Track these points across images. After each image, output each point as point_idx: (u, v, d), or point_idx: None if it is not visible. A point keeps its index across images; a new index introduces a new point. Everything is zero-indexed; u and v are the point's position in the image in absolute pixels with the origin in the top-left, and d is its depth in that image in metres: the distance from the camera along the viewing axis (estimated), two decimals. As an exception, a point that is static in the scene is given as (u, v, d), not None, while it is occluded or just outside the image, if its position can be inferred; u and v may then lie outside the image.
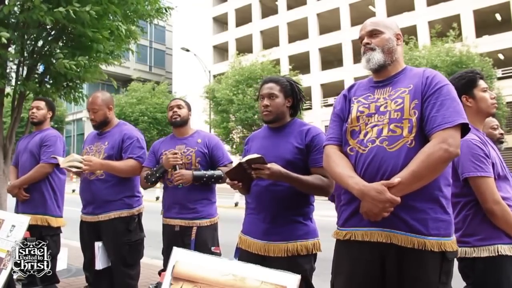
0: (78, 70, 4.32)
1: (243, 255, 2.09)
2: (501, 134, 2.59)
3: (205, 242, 2.68)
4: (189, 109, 2.95)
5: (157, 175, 2.75)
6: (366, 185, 1.49)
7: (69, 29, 4.37)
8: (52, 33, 4.75)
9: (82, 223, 3.00)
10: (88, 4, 3.88)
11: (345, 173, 1.60)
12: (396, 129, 1.56)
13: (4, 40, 3.72)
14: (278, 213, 2.01)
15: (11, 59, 4.53)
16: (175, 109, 2.86)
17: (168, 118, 2.95)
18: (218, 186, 2.90)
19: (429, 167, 1.45)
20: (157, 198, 16.16)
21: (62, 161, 2.87)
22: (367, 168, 1.56)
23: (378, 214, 1.46)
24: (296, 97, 2.18)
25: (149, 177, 2.76)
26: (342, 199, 1.71)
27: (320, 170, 2.00)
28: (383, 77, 1.71)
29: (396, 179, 1.45)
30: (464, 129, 1.53)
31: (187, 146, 2.81)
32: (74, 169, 2.77)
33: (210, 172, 2.73)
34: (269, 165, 1.86)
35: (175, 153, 2.72)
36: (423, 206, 1.51)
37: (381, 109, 1.62)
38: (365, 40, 1.71)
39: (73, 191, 15.91)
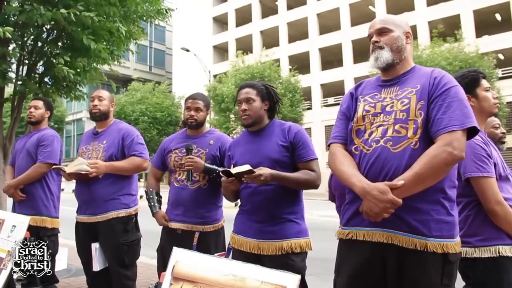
0: (77, 75, 4.36)
1: (235, 254, 2.11)
2: (503, 133, 2.57)
3: (207, 248, 2.56)
4: (208, 108, 2.78)
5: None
6: (369, 184, 1.48)
7: (68, 31, 4.38)
8: (51, 34, 4.77)
9: (78, 224, 2.95)
10: (90, 7, 3.92)
11: (349, 171, 1.59)
12: (401, 130, 1.54)
13: (8, 35, 3.72)
14: (271, 213, 2.05)
15: (11, 56, 4.54)
16: (193, 112, 2.66)
17: (184, 117, 2.78)
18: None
19: (432, 170, 1.43)
20: (157, 198, 16.12)
21: (69, 167, 2.81)
22: (371, 168, 1.56)
23: (379, 214, 1.45)
24: (273, 100, 2.23)
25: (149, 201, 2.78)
26: (346, 198, 1.71)
27: (306, 165, 2.09)
28: (391, 76, 1.69)
29: (399, 182, 1.44)
30: (470, 132, 1.51)
31: (198, 146, 2.68)
32: (83, 172, 2.71)
33: (221, 169, 2.55)
34: (259, 172, 1.90)
35: (191, 158, 2.56)
36: (426, 208, 1.49)
37: (387, 108, 1.60)
38: (374, 38, 1.69)
39: (73, 191, 15.88)
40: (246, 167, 1.90)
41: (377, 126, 1.60)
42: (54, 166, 3.15)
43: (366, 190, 1.47)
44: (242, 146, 2.24)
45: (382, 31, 1.67)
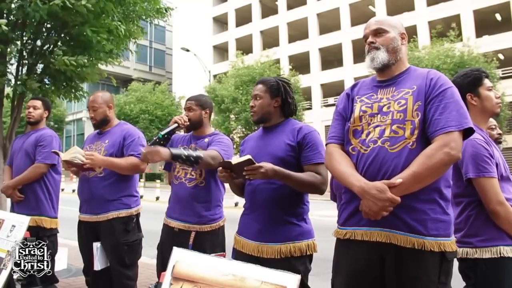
0: (78, 68, 4.34)
1: (238, 256, 2.09)
2: (499, 134, 2.57)
3: (203, 248, 2.52)
4: (203, 107, 2.74)
5: (169, 130, 2.42)
6: (368, 183, 1.49)
7: (69, 27, 4.38)
8: (52, 32, 4.76)
9: (80, 223, 2.97)
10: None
11: (347, 171, 1.60)
12: (398, 130, 1.56)
13: (4, 28, 3.71)
14: (271, 213, 2.01)
15: (11, 56, 4.54)
16: (186, 112, 2.73)
17: None
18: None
19: (430, 170, 1.45)
20: (157, 198, 16.18)
21: (65, 154, 2.80)
22: (368, 168, 1.57)
23: (378, 213, 1.46)
24: (284, 96, 2.17)
25: (154, 137, 2.42)
26: (342, 198, 1.71)
27: (312, 167, 2.01)
28: (387, 76, 1.70)
29: (398, 180, 1.45)
30: (466, 132, 1.53)
31: (197, 146, 2.72)
32: (77, 160, 2.69)
33: (188, 152, 2.32)
34: (261, 164, 1.85)
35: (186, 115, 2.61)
36: (423, 207, 1.51)
37: (384, 109, 1.62)
38: (370, 39, 1.70)
39: (73, 191, 15.90)
40: (246, 157, 1.85)
41: (374, 126, 1.61)
42: (52, 151, 3.11)
43: (365, 189, 1.48)
44: (253, 141, 2.24)
45: (378, 32, 1.69)
